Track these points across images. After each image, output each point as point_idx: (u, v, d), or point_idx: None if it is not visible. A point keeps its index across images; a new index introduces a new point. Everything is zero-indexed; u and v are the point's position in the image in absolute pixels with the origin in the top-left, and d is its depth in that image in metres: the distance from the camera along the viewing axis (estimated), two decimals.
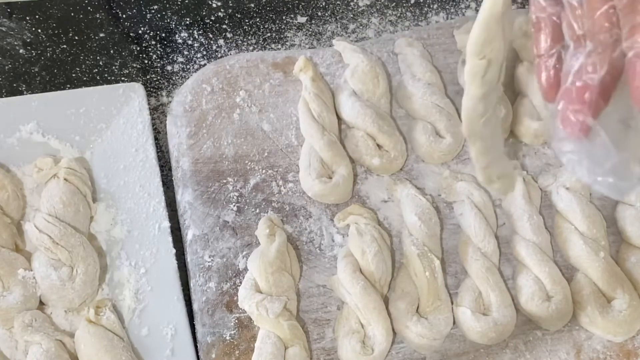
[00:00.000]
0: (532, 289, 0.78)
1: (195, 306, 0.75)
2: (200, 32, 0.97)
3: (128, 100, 0.84)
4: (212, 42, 0.97)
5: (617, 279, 0.79)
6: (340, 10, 1.02)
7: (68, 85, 0.91)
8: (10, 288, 0.73)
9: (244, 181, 0.83)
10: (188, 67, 0.95)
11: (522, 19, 0.94)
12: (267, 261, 0.74)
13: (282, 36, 0.99)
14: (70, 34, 0.95)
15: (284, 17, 1.00)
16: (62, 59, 0.93)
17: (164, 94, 0.93)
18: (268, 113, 0.87)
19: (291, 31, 0.99)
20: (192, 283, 0.77)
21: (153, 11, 0.98)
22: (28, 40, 0.93)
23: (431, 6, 1.03)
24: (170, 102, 0.90)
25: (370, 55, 0.89)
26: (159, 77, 0.94)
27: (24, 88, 0.90)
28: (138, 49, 0.95)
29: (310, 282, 0.78)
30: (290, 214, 0.82)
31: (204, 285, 0.76)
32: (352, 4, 1.03)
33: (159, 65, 0.95)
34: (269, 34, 0.99)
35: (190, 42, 0.97)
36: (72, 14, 0.96)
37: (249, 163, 0.84)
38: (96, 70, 0.93)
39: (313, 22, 1.01)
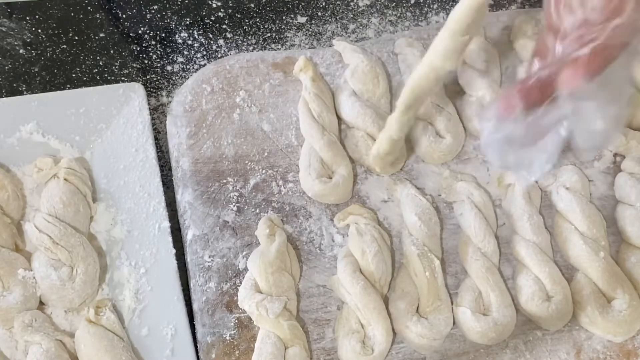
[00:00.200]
0: (532, 289, 0.78)
1: (195, 306, 0.75)
2: (200, 32, 0.97)
3: (128, 100, 0.84)
4: (212, 42, 0.97)
5: (617, 279, 0.79)
6: (340, 10, 1.02)
7: (68, 85, 0.91)
8: (10, 288, 0.73)
9: (244, 181, 0.83)
10: (188, 67, 0.95)
11: (522, 18, 0.94)
12: (267, 261, 0.74)
13: (282, 36, 0.99)
14: (70, 34, 0.95)
15: (284, 17, 1.00)
16: (62, 59, 0.93)
17: (164, 94, 0.93)
18: (268, 113, 0.87)
19: (291, 31, 0.99)
20: (192, 283, 0.77)
21: (153, 11, 0.98)
22: (28, 40, 0.93)
23: (431, 6, 1.03)
24: (170, 102, 0.90)
25: (370, 55, 0.89)
26: (159, 77, 0.94)
27: (24, 88, 0.90)
28: (138, 49, 0.95)
29: (310, 282, 0.78)
30: (290, 214, 0.82)
31: (204, 285, 0.76)
32: (352, 4, 1.03)
33: (159, 65, 0.95)
34: (269, 34, 0.99)
35: (190, 42, 0.97)
36: (72, 14, 0.96)
37: (249, 163, 0.84)
38: (96, 70, 0.93)
39: (313, 22, 1.01)
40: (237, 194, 0.82)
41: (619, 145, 0.89)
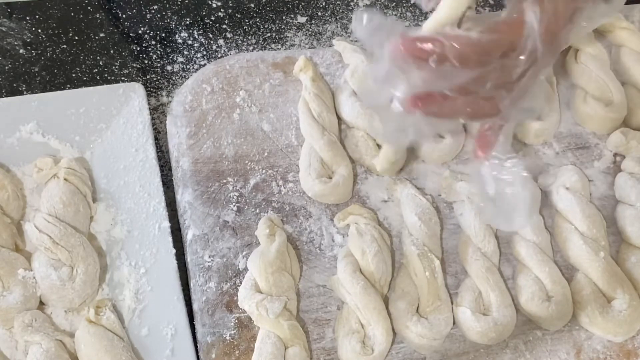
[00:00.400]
0: (532, 289, 0.78)
1: (195, 306, 0.75)
2: (200, 32, 0.97)
3: (128, 100, 0.84)
4: (212, 42, 0.97)
5: (617, 279, 0.79)
6: (340, 10, 1.02)
7: (68, 85, 0.91)
8: (10, 288, 0.73)
9: (244, 181, 0.83)
10: (188, 67, 0.95)
11: None
12: (267, 261, 0.74)
13: (282, 36, 0.99)
14: (70, 34, 0.95)
15: (284, 17, 1.00)
16: (62, 59, 0.93)
17: (164, 94, 0.93)
18: (268, 113, 0.87)
19: (291, 31, 0.99)
20: (192, 283, 0.77)
21: (153, 11, 0.98)
22: (28, 40, 0.93)
23: None
24: (170, 102, 0.90)
25: (370, 55, 0.89)
26: (159, 77, 0.94)
27: (24, 88, 0.90)
28: (138, 49, 0.95)
29: (310, 282, 0.78)
30: (290, 214, 0.82)
31: (204, 285, 0.76)
32: (352, 4, 1.03)
33: (159, 65, 0.95)
34: (269, 34, 0.99)
35: (190, 42, 0.97)
36: (72, 14, 0.96)
37: (249, 163, 0.84)
38: (96, 70, 0.93)
39: (313, 22, 1.01)
40: (237, 194, 0.82)
41: (619, 145, 0.89)
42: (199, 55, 0.96)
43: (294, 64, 0.89)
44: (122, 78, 0.93)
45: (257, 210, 0.81)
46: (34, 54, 0.92)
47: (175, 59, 0.95)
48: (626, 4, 0.85)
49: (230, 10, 1.00)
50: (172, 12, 0.99)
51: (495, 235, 0.81)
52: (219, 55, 0.96)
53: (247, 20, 0.99)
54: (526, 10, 0.59)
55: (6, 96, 0.87)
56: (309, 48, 0.97)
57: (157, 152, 0.83)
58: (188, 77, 0.90)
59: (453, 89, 0.60)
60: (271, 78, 0.89)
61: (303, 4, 1.02)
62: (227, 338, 0.74)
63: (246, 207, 0.81)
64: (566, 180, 0.85)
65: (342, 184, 0.81)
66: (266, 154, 0.85)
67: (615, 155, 0.91)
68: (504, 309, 0.76)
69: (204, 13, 0.99)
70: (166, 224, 0.78)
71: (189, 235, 0.79)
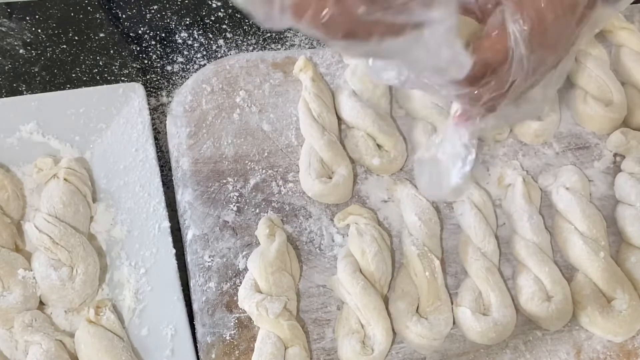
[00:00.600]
0: (532, 289, 0.78)
1: (195, 306, 0.75)
2: (200, 32, 0.97)
3: (128, 100, 0.84)
4: (212, 42, 0.97)
5: (617, 279, 0.79)
6: None
7: (68, 85, 0.91)
8: (10, 288, 0.73)
9: (244, 181, 0.83)
10: (188, 67, 0.95)
11: None
12: (267, 261, 0.74)
13: (282, 36, 0.99)
14: (70, 34, 0.95)
15: None
16: (62, 59, 0.93)
17: (164, 94, 0.93)
18: (268, 113, 0.87)
19: (291, 31, 0.99)
20: (192, 283, 0.77)
21: (153, 11, 0.98)
22: (28, 40, 0.93)
23: None
24: (170, 102, 0.90)
25: None
26: (159, 77, 0.94)
27: (24, 88, 0.90)
28: (138, 49, 0.95)
29: (310, 282, 0.78)
30: (290, 214, 0.82)
31: (204, 285, 0.76)
32: None
33: (159, 65, 0.95)
34: (269, 34, 0.99)
35: (190, 42, 0.97)
36: (72, 14, 0.96)
37: (249, 163, 0.84)
38: (96, 70, 0.93)
39: None
40: (237, 194, 0.82)
41: (619, 145, 0.89)
42: (199, 55, 0.96)
43: (294, 64, 0.89)
44: (122, 78, 0.93)
45: (257, 210, 0.81)
46: (34, 54, 0.92)
47: (175, 59, 0.95)
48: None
49: (230, 10, 1.00)
50: (172, 12, 0.99)
51: (495, 235, 0.81)
52: (219, 55, 0.96)
53: (247, 20, 0.99)
54: (507, 21, 0.58)
55: (6, 96, 0.87)
56: (309, 48, 0.97)
57: (157, 152, 0.83)
58: (188, 77, 0.90)
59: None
60: (271, 78, 0.89)
61: None
62: (227, 338, 0.74)
63: (246, 207, 0.81)
64: (566, 180, 0.85)
65: (342, 184, 0.81)
66: (266, 154, 0.85)
67: (615, 155, 0.91)
68: (504, 309, 0.76)
69: (204, 13, 0.99)
70: (166, 224, 0.78)
71: (189, 235, 0.79)
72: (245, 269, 0.77)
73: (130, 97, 0.84)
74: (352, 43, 0.50)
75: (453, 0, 0.54)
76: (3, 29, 0.93)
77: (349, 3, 0.47)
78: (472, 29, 0.62)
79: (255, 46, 0.98)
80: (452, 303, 0.78)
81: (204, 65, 0.93)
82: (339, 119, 0.87)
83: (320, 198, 0.82)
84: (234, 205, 0.81)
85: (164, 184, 0.81)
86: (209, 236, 0.79)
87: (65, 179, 0.78)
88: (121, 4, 0.98)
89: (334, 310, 0.77)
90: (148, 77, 0.94)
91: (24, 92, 0.89)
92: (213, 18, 0.99)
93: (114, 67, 0.93)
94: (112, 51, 0.94)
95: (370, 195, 0.84)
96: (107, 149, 0.83)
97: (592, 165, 0.90)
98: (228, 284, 0.76)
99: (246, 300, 0.73)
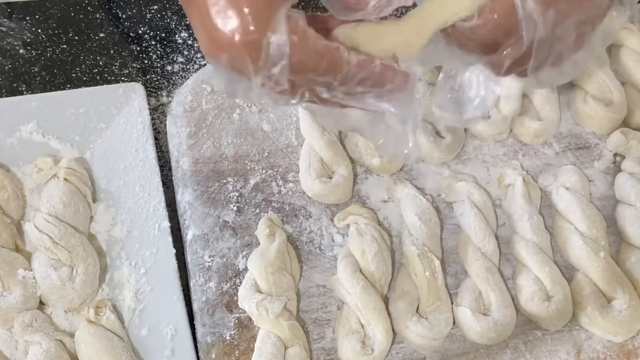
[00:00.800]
0: (532, 289, 0.78)
1: (195, 306, 0.75)
2: None
3: (128, 100, 0.84)
4: None
5: (617, 279, 0.79)
6: None
7: (68, 85, 0.91)
8: (10, 288, 0.73)
9: (244, 181, 0.83)
10: (188, 67, 0.95)
11: None
12: (267, 261, 0.74)
13: None
14: (70, 34, 0.95)
15: None
16: (62, 59, 0.93)
17: (164, 94, 0.93)
18: (268, 113, 0.87)
19: None
20: (192, 283, 0.77)
21: (153, 11, 0.98)
22: (28, 40, 0.93)
23: None
24: (170, 102, 0.90)
25: None
26: (159, 77, 0.94)
27: (24, 88, 0.90)
28: (138, 49, 0.95)
29: (310, 282, 0.78)
30: (290, 214, 0.82)
31: (204, 285, 0.76)
32: None
33: (159, 65, 0.95)
34: None
35: (190, 42, 0.97)
36: (72, 14, 0.96)
37: (249, 163, 0.84)
38: (96, 70, 0.93)
39: None
40: (237, 194, 0.82)
41: (619, 145, 0.89)
42: (199, 55, 0.96)
43: None
44: (122, 78, 0.93)
45: (257, 210, 0.81)
46: (34, 54, 0.92)
47: (175, 59, 0.95)
48: None
49: None
50: (172, 12, 0.99)
51: (495, 235, 0.81)
52: None
53: None
54: None
55: (6, 96, 0.88)
56: None
57: (157, 152, 0.83)
58: (188, 77, 0.90)
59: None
60: None
61: (303, 3, 1.02)
62: (227, 338, 0.74)
63: (246, 207, 0.81)
64: (566, 180, 0.85)
65: (342, 184, 0.81)
66: (266, 154, 0.85)
67: (615, 155, 0.91)
68: (504, 309, 0.76)
69: None
70: (166, 224, 0.78)
71: (189, 235, 0.79)
72: (245, 269, 0.77)
73: (130, 97, 0.84)
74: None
75: (412, 99, 0.55)
76: (3, 29, 0.93)
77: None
78: None
79: None
80: (452, 303, 0.78)
81: (204, 65, 0.93)
82: None
83: (320, 198, 0.82)
84: (234, 205, 0.81)
85: (164, 184, 0.81)
86: (209, 236, 0.79)
87: (65, 179, 0.78)
88: (121, 4, 0.98)
89: (334, 310, 0.77)
90: (148, 77, 0.94)
91: (24, 92, 0.89)
92: None
93: (114, 67, 0.93)
94: (112, 51, 0.94)
95: (370, 195, 0.84)
96: (107, 149, 0.83)
97: (592, 165, 0.90)
98: (228, 284, 0.76)
99: (246, 300, 0.73)
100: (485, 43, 0.55)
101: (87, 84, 0.91)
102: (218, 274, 0.77)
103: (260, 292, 0.73)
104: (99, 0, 0.98)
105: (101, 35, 0.95)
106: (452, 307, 0.77)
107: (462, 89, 0.65)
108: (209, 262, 0.77)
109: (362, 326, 0.74)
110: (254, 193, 0.82)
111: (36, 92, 0.86)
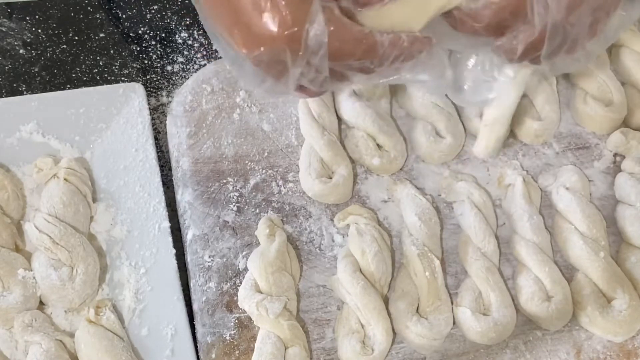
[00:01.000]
0: (532, 289, 0.78)
1: (195, 306, 0.75)
2: (200, 32, 0.97)
3: (128, 100, 0.84)
4: (212, 42, 0.97)
5: (617, 279, 0.79)
6: None
7: (68, 85, 0.91)
8: (10, 288, 0.73)
9: (244, 181, 0.83)
10: (188, 67, 0.95)
11: None
12: (267, 261, 0.74)
13: None
14: (70, 34, 0.95)
15: None
16: (62, 59, 0.93)
17: (164, 94, 0.93)
18: (268, 113, 0.87)
19: None
20: (192, 283, 0.77)
21: (153, 11, 0.98)
22: (28, 40, 0.93)
23: None
24: (170, 102, 0.90)
25: None
26: (159, 77, 0.94)
27: (24, 88, 0.90)
28: (138, 49, 0.95)
29: (310, 282, 0.78)
30: (290, 214, 0.82)
31: (204, 285, 0.76)
32: None
33: (159, 65, 0.95)
34: None
35: (190, 42, 0.97)
36: (72, 14, 0.96)
37: (249, 163, 0.84)
38: (96, 70, 0.93)
39: None
40: (237, 194, 0.82)
41: (619, 145, 0.89)
42: (199, 55, 0.96)
43: None
44: (122, 78, 0.93)
45: (257, 210, 0.81)
46: (34, 54, 0.92)
47: (175, 59, 0.95)
48: None
49: None
50: (172, 12, 0.99)
51: (495, 235, 0.81)
52: (219, 56, 0.95)
53: None
54: None
55: (6, 96, 0.88)
56: None
57: (157, 152, 0.83)
58: (188, 77, 0.90)
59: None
60: None
61: None
62: (227, 338, 0.74)
63: (246, 207, 0.81)
64: (566, 180, 0.85)
65: (342, 184, 0.81)
66: (266, 154, 0.85)
67: (615, 155, 0.90)
68: (504, 309, 0.76)
69: None
70: (166, 224, 0.78)
71: (189, 235, 0.79)
72: (245, 269, 0.77)
73: (130, 97, 0.84)
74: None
75: (443, 61, 0.57)
76: (3, 29, 0.93)
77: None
78: None
79: None
80: (452, 303, 0.78)
81: (204, 65, 0.93)
82: (339, 118, 0.87)
83: (320, 198, 0.82)
84: (234, 205, 0.81)
85: (164, 184, 0.81)
86: (209, 236, 0.79)
87: (65, 179, 0.78)
88: (121, 4, 0.98)
89: (334, 310, 0.77)
90: (148, 77, 0.94)
91: (24, 92, 0.89)
92: None
93: (114, 67, 0.93)
94: (112, 51, 0.94)
95: (370, 195, 0.84)
96: (107, 149, 0.83)
97: (592, 165, 0.90)
98: (228, 284, 0.76)
99: (246, 300, 0.73)
100: (491, 25, 0.56)
101: (87, 84, 0.91)
102: (218, 274, 0.77)
103: (260, 292, 0.73)
104: (99, 0, 0.98)
105: (101, 35, 0.95)
106: (452, 307, 0.77)
107: (471, 70, 0.66)
108: (209, 262, 0.77)
109: (362, 326, 0.74)
110: (254, 193, 0.82)
111: (36, 92, 0.86)
